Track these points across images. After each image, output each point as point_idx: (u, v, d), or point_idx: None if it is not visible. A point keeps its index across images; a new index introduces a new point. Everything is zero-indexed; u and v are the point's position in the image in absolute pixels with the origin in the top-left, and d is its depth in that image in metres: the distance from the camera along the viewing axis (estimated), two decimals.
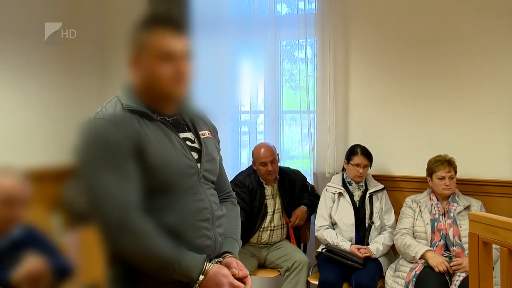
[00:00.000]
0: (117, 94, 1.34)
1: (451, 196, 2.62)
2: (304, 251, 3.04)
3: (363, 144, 2.86)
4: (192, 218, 1.32)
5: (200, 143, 1.40)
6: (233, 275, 1.32)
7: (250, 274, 1.42)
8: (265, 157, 2.89)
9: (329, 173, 3.04)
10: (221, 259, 1.39)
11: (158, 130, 1.31)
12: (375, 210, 2.79)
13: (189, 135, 1.40)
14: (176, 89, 1.32)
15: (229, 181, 1.63)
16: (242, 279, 1.35)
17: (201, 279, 1.27)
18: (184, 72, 1.31)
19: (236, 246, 1.45)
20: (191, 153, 1.36)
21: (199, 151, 1.39)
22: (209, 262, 1.32)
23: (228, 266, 1.35)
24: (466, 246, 2.45)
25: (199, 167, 1.36)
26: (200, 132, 1.42)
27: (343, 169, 2.95)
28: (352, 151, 2.84)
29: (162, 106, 1.36)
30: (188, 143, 1.38)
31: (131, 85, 1.36)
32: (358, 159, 2.79)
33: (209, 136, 1.45)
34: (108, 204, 1.23)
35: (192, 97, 1.42)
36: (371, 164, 2.84)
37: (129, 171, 1.25)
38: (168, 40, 1.29)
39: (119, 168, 1.24)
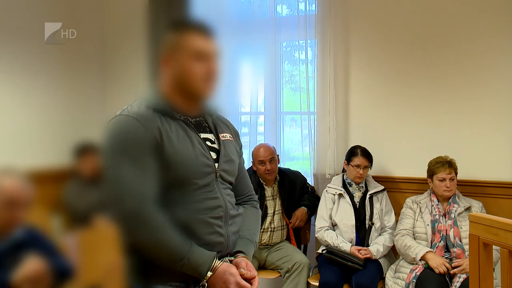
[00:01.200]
0: (143, 95, 1.42)
1: (452, 197, 2.62)
2: (305, 252, 3.04)
3: (363, 145, 2.86)
4: (204, 215, 1.36)
5: (219, 144, 1.45)
6: (241, 275, 1.35)
7: None
8: (264, 155, 2.90)
9: (329, 174, 3.04)
10: (232, 258, 1.42)
11: (180, 129, 1.37)
12: (375, 211, 2.79)
13: (210, 136, 1.46)
14: (206, 87, 1.40)
15: None
16: (249, 280, 1.37)
17: (209, 275, 1.31)
18: (214, 71, 1.41)
19: (251, 248, 1.48)
20: (209, 153, 1.41)
21: (218, 152, 1.44)
22: (220, 259, 1.35)
23: (237, 266, 1.38)
24: (466, 247, 2.45)
25: (216, 166, 1.41)
26: (221, 135, 1.48)
27: (343, 170, 2.95)
28: (352, 152, 2.84)
29: (186, 107, 1.42)
30: (208, 143, 1.43)
31: (157, 86, 1.43)
32: (358, 160, 2.79)
33: (230, 139, 1.51)
34: (125, 195, 1.29)
35: (216, 101, 1.50)
36: (371, 165, 2.84)
37: (148, 165, 1.30)
38: (201, 41, 1.39)
39: (139, 162, 1.30)
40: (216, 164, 1.41)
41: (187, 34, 1.39)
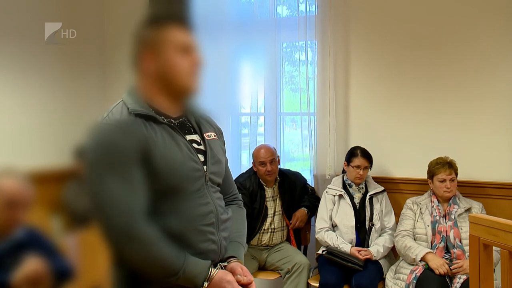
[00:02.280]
0: (123, 98, 1.34)
1: (452, 198, 2.61)
2: (305, 253, 3.04)
3: (363, 146, 2.86)
4: (197, 223, 1.31)
5: (205, 145, 1.40)
6: (238, 282, 1.32)
7: None
8: (265, 157, 2.90)
9: (329, 175, 3.04)
10: (226, 263, 1.38)
11: (165, 133, 1.31)
12: (375, 212, 2.79)
13: (195, 137, 1.40)
14: (192, 80, 1.36)
15: None
16: (246, 286, 1.35)
17: (206, 286, 1.27)
18: (199, 63, 1.36)
19: (242, 250, 1.45)
20: (197, 156, 1.36)
21: (205, 153, 1.39)
22: (214, 267, 1.31)
23: (233, 272, 1.35)
24: (466, 248, 2.45)
25: (205, 169, 1.36)
26: (206, 134, 1.43)
27: (343, 171, 2.94)
28: (352, 153, 2.84)
29: (169, 106, 1.37)
30: (195, 145, 1.38)
31: (137, 87, 1.37)
32: (358, 160, 2.79)
33: (215, 138, 1.46)
34: (113, 211, 1.22)
35: (197, 98, 1.44)
36: (371, 166, 2.84)
37: (135, 177, 1.24)
38: (183, 35, 1.35)
39: (125, 174, 1.23)
40: (205, 167, 1.36)
41: (168, 29, 1.34)
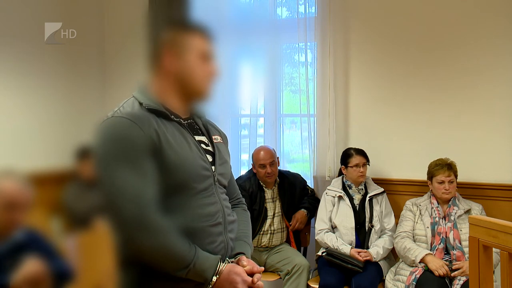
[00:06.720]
0: (134, 95, 1.37)
1: (452, 199, 2.62)
2: (304, 254, 3.04)
3: (363, 148, 2.86)
4: (204, 223, 1.33)
5: (213, 147, 1.43)
6: (247, 272, 1.33)
7: None
8: (264, 159, 2.90)
9: (329, 176, 3.04)
10: (233, 259, 1.40)
11: (176, 130, 1.33)
12: (375, 213, 2.79)
13: (203, 138, 1.43)
14: (207, 87, 1.41)
15: None
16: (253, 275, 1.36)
17: (215, 280, 1.28)
18: (216, 72, 1.42)
19: (248, 249, 1.46)
20: (206, 156, 1.38)
21: (213, 154, 1.41)
22: (222, 261, 1.33)
23: (239, 263, 1.36)
24: (466, 249, 2.45)
25: (213, 170, 1.38)
26: (213, 137, 1.46)
27: (340, 174, 2.94)
28: (347, 154, 2.85)
29: (179, 108, 1.40)
30: (203, 146, 1.40)
31: (150, 85, 1.40)
32: (355, 159, 2.80)
33: (221, 142, 1.49)
34: (125, 201, 1.23)
35: (207, 104, 1.49)
36: (368, 162, 2.84)
37: (147, 168, 1.26)
38: (206, 43, 1.42)
39: (137, 165, 1.25)
40: (213, 167, 1.38)
41: (194, 35, 1.40)
